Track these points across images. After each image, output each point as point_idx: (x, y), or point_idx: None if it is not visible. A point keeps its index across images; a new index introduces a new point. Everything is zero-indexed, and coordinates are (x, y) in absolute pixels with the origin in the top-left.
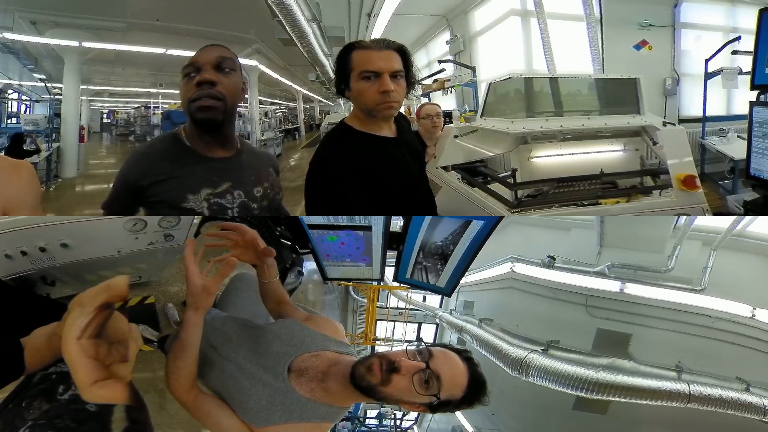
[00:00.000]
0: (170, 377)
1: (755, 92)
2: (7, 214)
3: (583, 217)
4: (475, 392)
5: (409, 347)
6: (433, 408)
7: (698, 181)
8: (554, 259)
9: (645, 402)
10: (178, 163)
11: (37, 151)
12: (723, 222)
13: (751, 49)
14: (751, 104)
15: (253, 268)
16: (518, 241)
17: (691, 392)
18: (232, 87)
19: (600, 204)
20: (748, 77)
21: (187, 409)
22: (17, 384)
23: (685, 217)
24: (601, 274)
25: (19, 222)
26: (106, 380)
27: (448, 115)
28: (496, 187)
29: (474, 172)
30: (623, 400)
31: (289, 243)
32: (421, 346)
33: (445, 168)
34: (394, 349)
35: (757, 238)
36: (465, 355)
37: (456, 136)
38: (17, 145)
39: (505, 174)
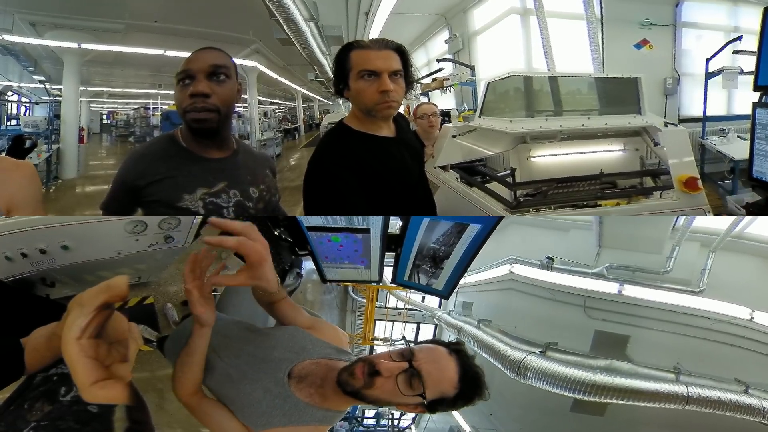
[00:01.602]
0: (176, 381)
1: (757, 93)
2: (11, 213)
3: (582, 218)
4: (469, 386)
5: (392, 348)
6: (428, 407)
7: (700, 183)
8: (553, 260)
9: (643, 404)
10: (174, 163)
11: (35, 145)
12: (722, 223)
13: (753, 48)
14: (754, 105)
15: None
16: (517, 241)
17: (689, 394)
18: (226, 95)
19: (599, 206)
20: (749, 77)
21: (189, 411)
22: (18, 385)
23: (684, 217)
24: (599, 276)
25: (19, 224)
26: (106, 380)
27: (446, 114)
28: (494, 186)
29: (472, 171)
30: (621, 402)
31: (288, 244)
32: (404, 346)
33: (443, 167)
34: (393, 347)
35: (756, 239)
36: (454, 348)
37: (454, 136)
38: (18, 146)
39: (504, 173)
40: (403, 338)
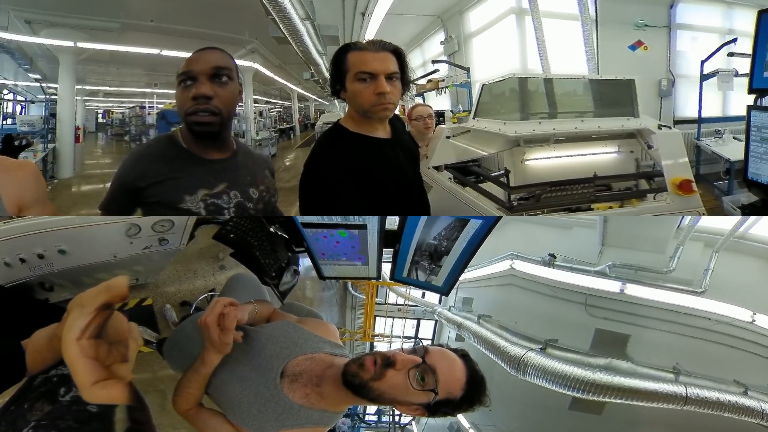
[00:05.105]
0: (178, 396)
1: (752, 95)
2: (22, 212)
3: (586, 216)
4: (474, 390)
5: (404, 345)
6: (431, 409)
7: (694, 186)
8: (555, 257)
9: (641, 403)
10: (175, 164)
11: (29, 144)
12: (725, 223)
13: (748, 51)
14: (749, 108)
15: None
16: (519, 238)
17: (688, 395)
18: (228, 98)
19: (592, 209)
20: (744, 79)
21: (187, 421)
22: (18, 387)
23: (688, 217)
24: (601, 274)
25: (18, 229)
26: (107, 380)
27: (440, 115)
28: (488, 186)
29: (466, 171)
30: (620, 401)
31: (285, 241)
32: (417, 345)
33: (437, 168)
34: (393, 345)
35: (760, 241)
36: (461, 353)
37: (448, 137)
38: (8, 146)
39: (498, 173)
40: (416, 338)
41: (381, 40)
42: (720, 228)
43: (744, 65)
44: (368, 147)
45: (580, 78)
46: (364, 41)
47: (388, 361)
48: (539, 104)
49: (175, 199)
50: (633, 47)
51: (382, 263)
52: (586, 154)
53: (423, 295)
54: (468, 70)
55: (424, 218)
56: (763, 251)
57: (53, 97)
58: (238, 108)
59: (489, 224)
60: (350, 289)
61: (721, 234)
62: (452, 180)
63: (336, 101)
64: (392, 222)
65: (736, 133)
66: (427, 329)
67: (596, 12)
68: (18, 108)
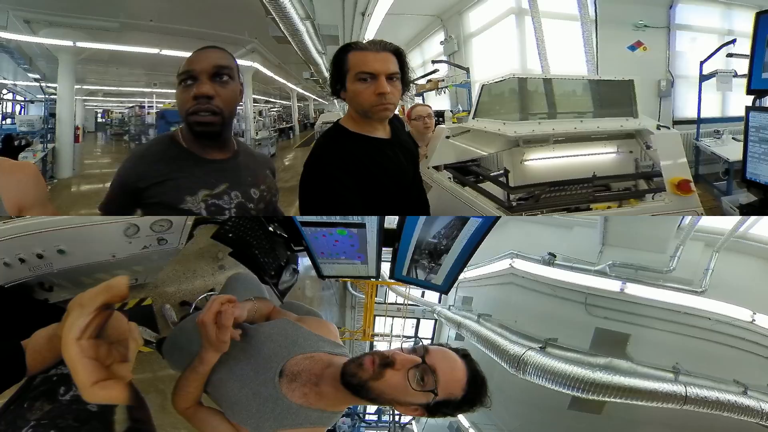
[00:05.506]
0: (177, 395)
1: (750, 96)
2: (22, 213)
3: (587, 215)
4: (475, 391)
5: (404, 344)
6: (431, 409)
7: (693, 186)
8: (555, 256)
9: (641, 403)
10: (176, 165)
11: (28, 144)
12: (726, 223)
13: (746, 52)
14: (747, 109)
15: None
16: (519, 237)
17: (688, 394)
18: (229, 97)
19: (591, 209)
20: (743, 80)
21: (186, 420)
22: (18, 386)
23: (689, 217)
24: (602, 273)
25: (17, 229)
26: (107, 380)
27: (439, 115)
28: (487, 186)
29: (466, 171)
30: (619, 401)
31: (284, 240)
32: (418, 344)
33: (436, 168)
34: (393, 344)
35: (760, 241)
36: (463, 353)
37: (448, 137)
38: (8, 145)
39: (497, 173)
40: (416, 337)
41: (382, 40)
42: (720, 228)
43: (743, 66)
44: (368, 147)
45: (579, 78)
46: (364, 41)
47: (386, 360)
48: (539, 104)
49: (175, 199)
50: (632, 48)
51: (382, 262)
52: (585, 155)
53: (423, 294)
54: (467, 70)
55: (423, 217)
56: (763, 251)
57: (52, 96)
58: (238, 107)
59: (488, 223)
60: (350, 288)
61: (722, 234)
62: (452, 180)
63: (336, 101)
64: (391, 221)
65: (735, 133)
66: (426, 328)
67: (596, 12)
68: (17, 108)
